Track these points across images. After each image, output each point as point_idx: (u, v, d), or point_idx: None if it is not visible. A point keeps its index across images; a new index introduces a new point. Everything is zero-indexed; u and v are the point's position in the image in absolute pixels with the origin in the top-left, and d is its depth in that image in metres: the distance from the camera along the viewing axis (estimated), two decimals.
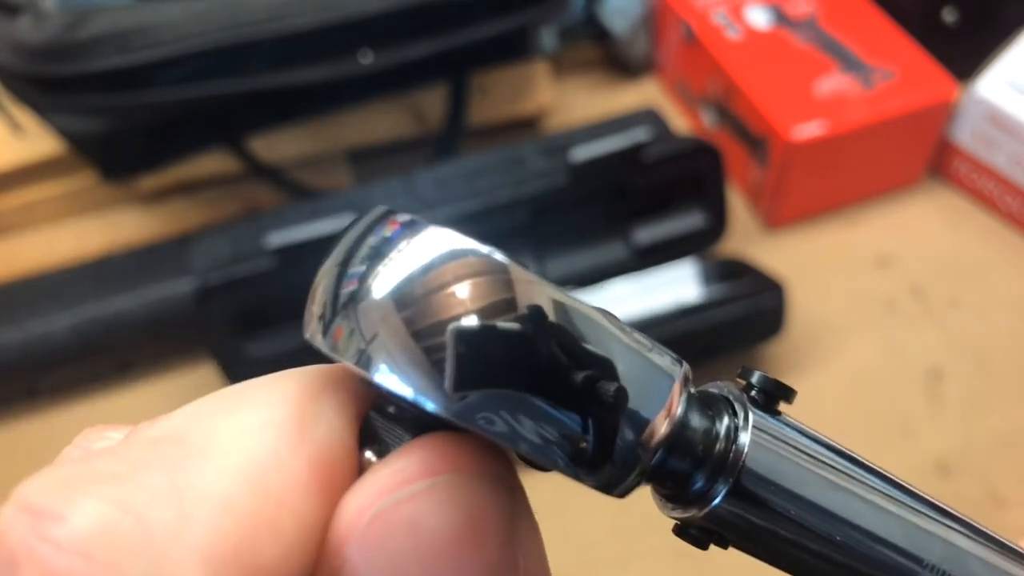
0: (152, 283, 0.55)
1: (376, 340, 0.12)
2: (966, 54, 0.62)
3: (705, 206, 0.56)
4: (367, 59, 0.52)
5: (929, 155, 0.63)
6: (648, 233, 0.56)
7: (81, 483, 0.11)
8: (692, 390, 0.15)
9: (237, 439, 0.12)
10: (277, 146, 0.60)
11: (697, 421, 0.14)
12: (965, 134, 0.62)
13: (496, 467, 0.13)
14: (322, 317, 0.13)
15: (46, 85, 0.50)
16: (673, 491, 0.15)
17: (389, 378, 0.12)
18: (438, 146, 0.63)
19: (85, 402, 0.55)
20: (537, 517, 0.14)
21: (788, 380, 0.17)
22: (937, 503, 0.17)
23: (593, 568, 0.48)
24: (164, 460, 0.12)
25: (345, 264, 0.13)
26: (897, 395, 0.54)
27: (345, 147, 0.62)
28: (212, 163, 0.60)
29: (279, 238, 0.49)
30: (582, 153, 0.52)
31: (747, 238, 0.62)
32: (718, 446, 0.14)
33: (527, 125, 0.67)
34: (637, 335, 0.14)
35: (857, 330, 0.57)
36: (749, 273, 0.55)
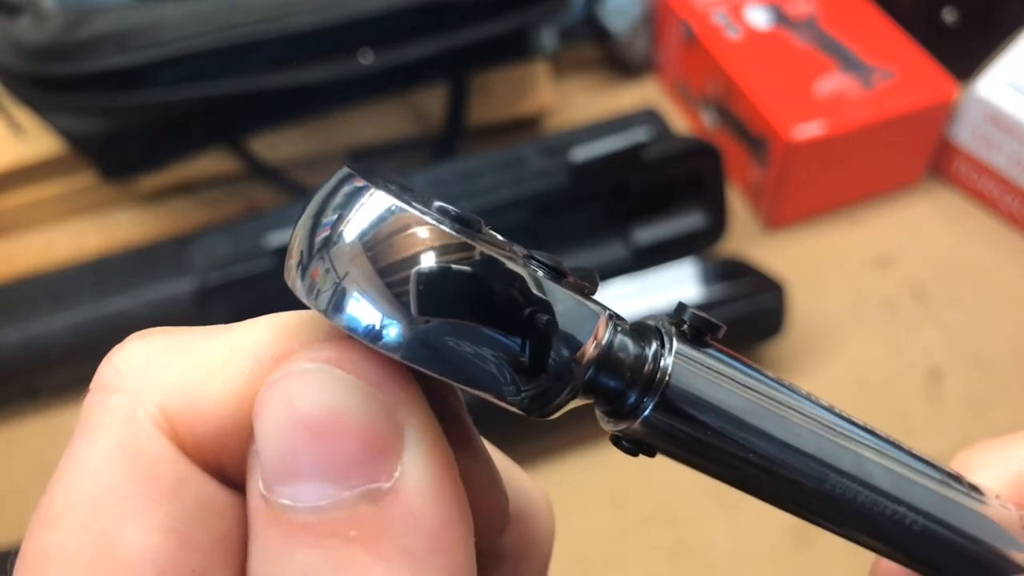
0: (152, 283, 0.55)
1: (348, 276, 0.14)
2: (966, 54, 0.62)
3: (705, 206, 0.56)
4: (367, 59, 0.52)
5: (929, 155, 0.63)
6: (648, 233, 0.56)
7: (133, 341, 0.16)
8: (625, 324, 0.17)
9: (235, 335, 0.16)
10: (277, 146, 0.60)
11: (627, 345, 0.17)
12: (965, 134, 0.62)
13: (380, 381, 0.15)
14: (300, 263, 0.15)
15: (46, 85, 0.50)
16: (611, 407, 0.17)
17: (359, 308, 0.14)
18: (438, 146, 0.63)
19: None
20: None
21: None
22: (851, 419, 0.19)
23: (591, 566, 0.48)
24: (190, 338, 0.16)
25: (318, 216, 0.15)
26: (897, 395, 0.54)
27: (345, 147, 0.62)
28: (212, 163, 0.60)
29: (279, 238, 0.49)
30: (582, 153, 0.52)
31: (747, 238, 0.62)
32: (647, 367, 0.17)
33: (527, 125, 0.67)
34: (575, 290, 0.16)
35: (857, 330, 0.57)
36: (749, 273, 0.55)
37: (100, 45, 0.49)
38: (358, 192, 0.14)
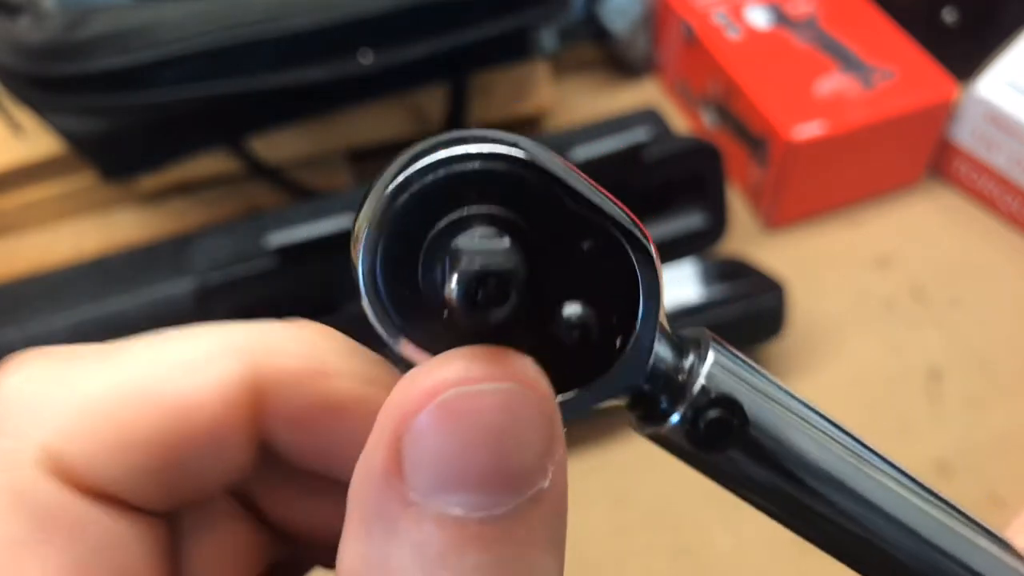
0: (152, 283, 0.55)
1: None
2: (966, 54, 0.62)
3: (705, 206, 0.56)
4: (367, 59, 0.52)
5: (929, 155, 0.63)
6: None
7: (16, 372, 0.16)
8: (665, 329, 0.18)
9: (119, 364, 0.17)
10: (277, 146, 0.60)
11: (665, 354, 0.17)
12: (965, 134, 0.62)
13: (547, 388, 0.15)
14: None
15: (46, 85, 0.50)
16: (643, 411, 0.18)
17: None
18: None
19: None
20: None
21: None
22: (871, 448, 0.19)
23: (592, 566, 0.48)
24: (73, 366, 0.17)
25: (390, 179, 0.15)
26: (897, 395, 0.54)
27: (345, 147, 0.62)
28: (212, 163, 0.60)
29: (279, 238, 0.49)
30: (582, 153, 0.52)
31: (747, 238, 0.62)
32: (681, 376, 0.17)
33: (527, 125, 0.67)
34: None
35: (857, 330, 0.57)
36: (749, 273, 0.55)
37: (100, 45, 0.49)
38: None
